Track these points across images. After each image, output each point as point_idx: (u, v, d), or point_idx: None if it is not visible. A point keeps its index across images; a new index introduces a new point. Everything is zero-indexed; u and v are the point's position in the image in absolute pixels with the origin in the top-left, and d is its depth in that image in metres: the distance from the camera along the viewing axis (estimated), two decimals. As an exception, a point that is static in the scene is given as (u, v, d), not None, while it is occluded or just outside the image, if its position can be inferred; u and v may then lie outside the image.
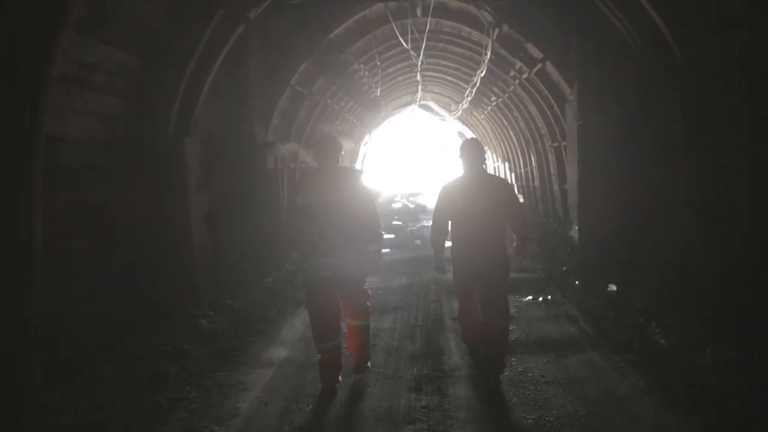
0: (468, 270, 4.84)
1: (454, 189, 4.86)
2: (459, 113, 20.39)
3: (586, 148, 8.79)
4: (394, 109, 22.24)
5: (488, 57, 11.80)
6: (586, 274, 7.74)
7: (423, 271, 9.20)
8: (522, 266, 9.09)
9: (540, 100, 12.18)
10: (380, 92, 16.89)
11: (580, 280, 7.63)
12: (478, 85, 14.56)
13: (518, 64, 11.78)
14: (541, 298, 7.23)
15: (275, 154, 9.91)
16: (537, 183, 15.09)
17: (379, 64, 12.55)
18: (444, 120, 24.21)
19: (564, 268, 8.24)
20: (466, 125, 22.37)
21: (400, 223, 15.44)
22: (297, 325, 6.66)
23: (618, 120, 7.65)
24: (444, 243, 5.07)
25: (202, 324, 6.47)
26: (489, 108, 17.15)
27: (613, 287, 7.22)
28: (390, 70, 15.46)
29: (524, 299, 7.28)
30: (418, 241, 12.33)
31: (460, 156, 4.90)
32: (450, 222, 4.93)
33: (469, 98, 16.64)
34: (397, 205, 20.11)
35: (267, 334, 6.35)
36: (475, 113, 19.71)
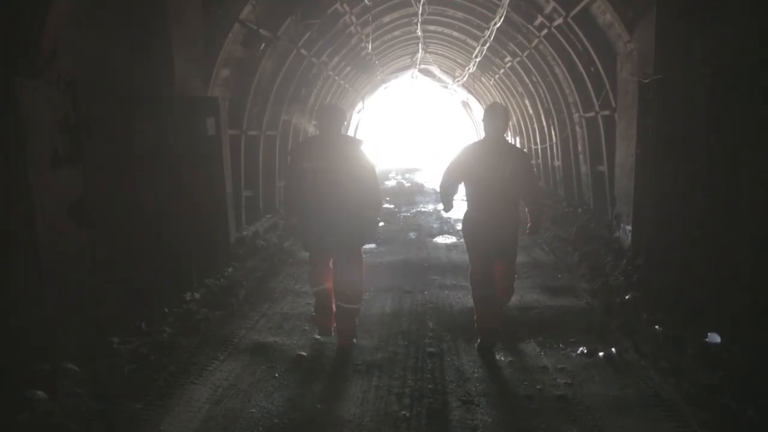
0: (483, 237, 4.57)
1: (474, 152, 4.60)
2: (464, 79, 17.35)
3: (658, 115, 5.89)
4: (391, 73, 19.18)
5: (509, -1, 8.83)
6: (664, 308, 4.92)
7: (418, 286, 6.31)
8: (556, 283, 6.26)
9: (574, 56, 9.20)
10: (374, 49, 13.86)
11: (658, 320, 4.79)
12: (491, 40, 11.56)
13: (550, 6, 8.77)
14: (602, 353, 4.40)
15: (218, 117, 7.00)
16: (559, 162, 12.17)
17: (368, 3, 9.50)
18: (447, 87, 21.15)
19: (627, 296, 5.37)
20: (472, 93, 19.34)
21: (392, 206, 12.43)
22: (200, 399, 3.83)
23: (730, 70, 4.72)
24: (452, 195, 4.74)
25: (34, 400, 3.66)
26: (501, 71, 14.11)
27: (716, 338, 4.43)
28: (385, 20, 12.40)
29: (574, 353, 4.45)
30: (412, 234, 9.37)
31: (483, 119, 4.62)
32: (465, 186, 4.65)
33: (478, 59, 13.62)
34: (390, 183, 17.13)
35: (138, 425, 3.54)
36: (483, 79, 16.66)
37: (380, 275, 6.68)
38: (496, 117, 4.51)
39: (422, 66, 18.84)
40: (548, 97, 11.90)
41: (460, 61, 16.48)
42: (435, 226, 9.91)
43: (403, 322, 5.18)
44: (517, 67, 12.67)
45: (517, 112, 15.41)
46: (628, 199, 7.03)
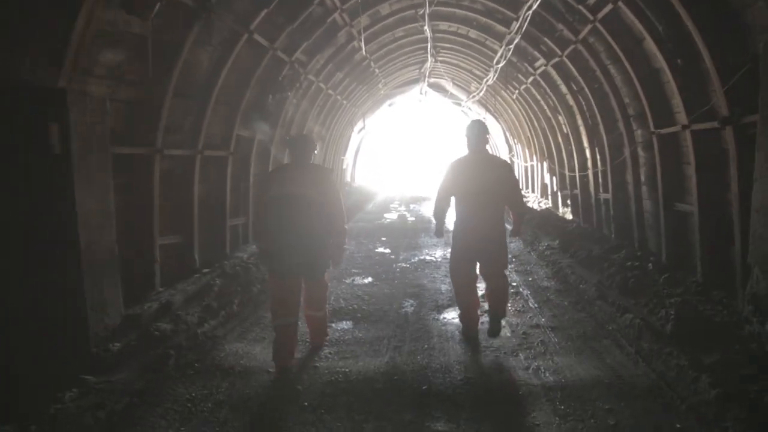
0: (468, 245, 4.78)
1: (459, 166, 4.84)
2: (482, 93, 14.28)
3: None
4: (396, 87, 16.20)
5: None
6: None
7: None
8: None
9: (653, 44, 6.11)
10: (372, 53, 10.86)
11: None
12: (521, 33, 8.52)
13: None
14: None
15: (66, 122, 3.95)
16: (608, 196, 8.95)
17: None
18: (461, 104, 18.12)
19: None
20: (489, 111, 16.25)
21: (387, 251, 9.13)
22: None
23: None
24: (445, 215, 4.99)
25: None
26: (530, 79, 11.01)
27: None
28: (382, 11, 9.41)
29: None
30: (409, 305, 5.93)
31: (466, 135, 4.88)
32: (454, 198, 4.87)
33: (501, 64, 10.56)
34: (390, 217, 13.88)
35: None
36: (504, 92, 13.59)
37: (340, 413, 3.51)
38: (476, 132, 4.82)
39: (432, 79, 15.85)
40: (595, 110, 8.75)
41: (476, 72, 13.45)
42: (444, 288, 6.66)
43: None
44: (552, 72, 9.57)
45: (547, 131, 12.26)
46: (788, 273, 3.84)
